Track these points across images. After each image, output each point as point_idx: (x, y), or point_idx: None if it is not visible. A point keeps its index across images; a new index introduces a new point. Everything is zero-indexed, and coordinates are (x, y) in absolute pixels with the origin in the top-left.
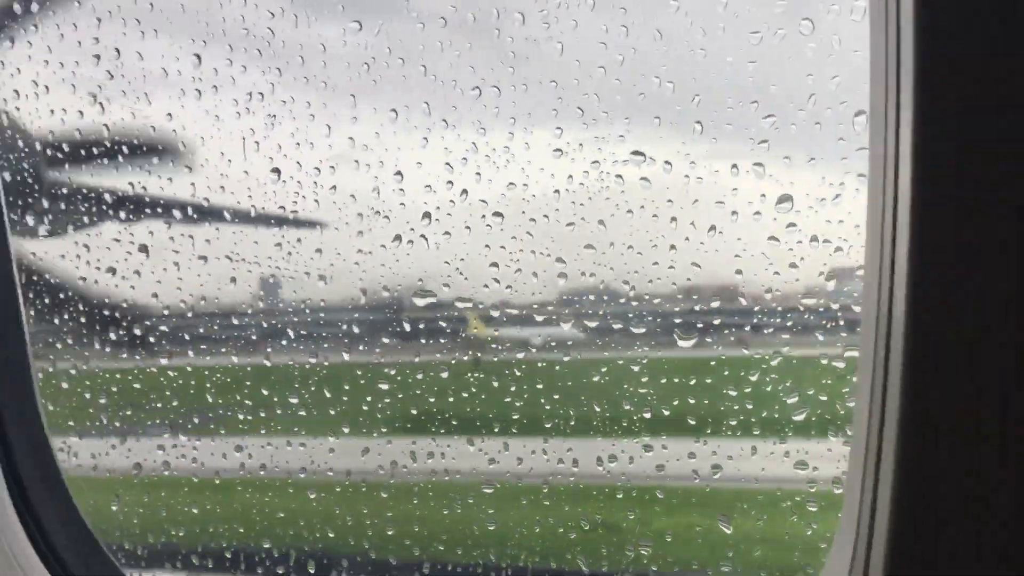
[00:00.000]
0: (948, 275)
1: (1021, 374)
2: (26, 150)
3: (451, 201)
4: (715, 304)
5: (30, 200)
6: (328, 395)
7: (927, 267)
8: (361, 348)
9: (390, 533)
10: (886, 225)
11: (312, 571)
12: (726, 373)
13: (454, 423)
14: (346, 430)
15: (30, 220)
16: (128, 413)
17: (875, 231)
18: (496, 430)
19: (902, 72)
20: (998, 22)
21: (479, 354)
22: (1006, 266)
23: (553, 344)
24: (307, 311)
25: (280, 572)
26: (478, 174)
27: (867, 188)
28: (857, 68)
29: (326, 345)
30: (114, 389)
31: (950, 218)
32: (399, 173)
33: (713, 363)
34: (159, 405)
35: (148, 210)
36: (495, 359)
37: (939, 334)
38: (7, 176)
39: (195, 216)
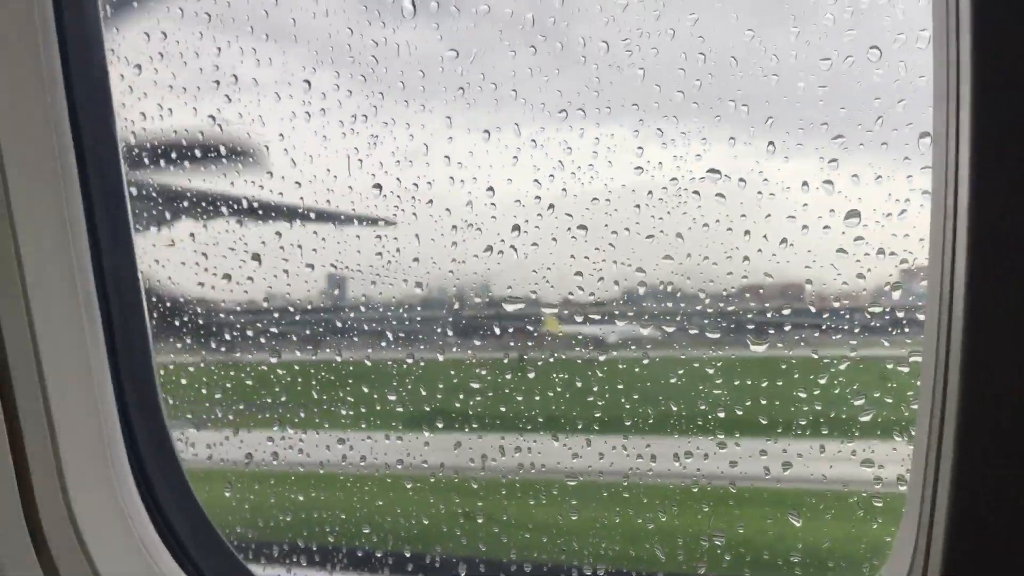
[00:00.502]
0: (1005, 285)
1: None
2: (150, 167)
3: (539, 215)
4: (786, 311)
5: (154, 212)
6: (423, 392)
7: (985, 278)
8: (454, 350)
9: (480, 522)
10: (947, 239)
11: (408, 556)
12: (796, 376)
13: (540, 420)
14: (440, 425)
15: (153, 229)
16: (240, 407)
17: (937, 243)
18: (579, 427)
19: (961, 97)
20: None
21: (559, 354)
22: None
23: (633, 346)
24: (404, 315)
25: (379, 557)
26: (564, 190)
27: (931, 204)
28: (922, 92)
29: (422, 347)
30: (228, 385)
31: (1007, 232)
32: (491, 189)
33: (784, 366)
34: (268, 400)
35: (260, 219)
36: (579, 360)
37: (996, 341)
38: (134, 191)
39: (303, 224)
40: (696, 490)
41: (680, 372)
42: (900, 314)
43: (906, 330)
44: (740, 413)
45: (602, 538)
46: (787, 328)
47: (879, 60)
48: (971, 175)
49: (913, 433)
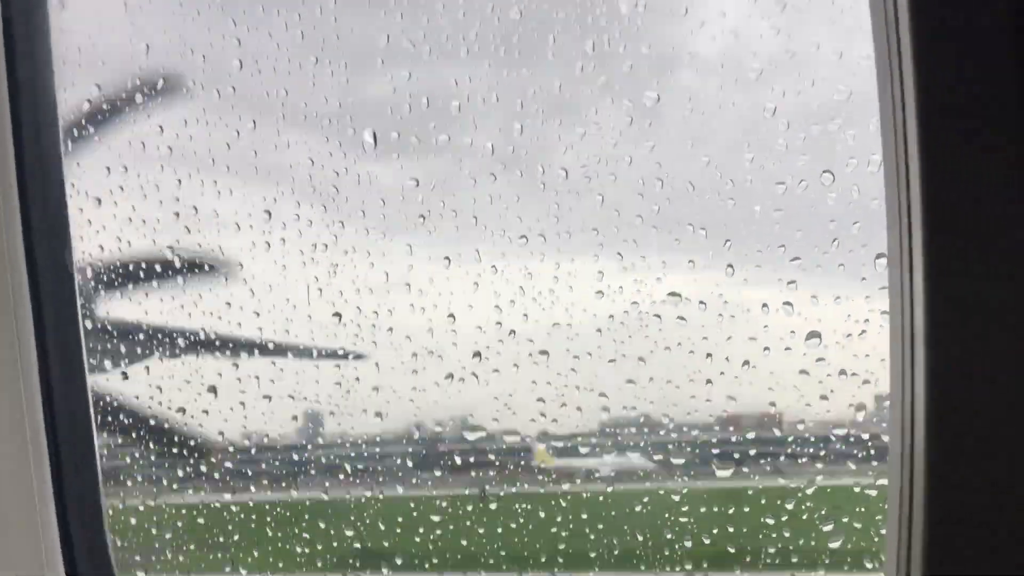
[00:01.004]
0: (963, 405)
1: None
2: (106, 300)
3: (500, 341)
4: (751, 435)
5: (108, 345)
6: (382, 528)
7: (943, 397)
8: (414, 481)
9: None
10: (905, 358)
11: None
12: (763, 502)
13: (502, 555)
14: (399, 562)
15: (107, 363)
16: (191, 548)
17: (896, 364)
18: (543, 562)
19: (912, 220)
20: (1000, 174)
21: (522, 485)
22: (1018, 385)
23: (597, 475)
24: (363, 446)
25: None
26: (525, 315)
27: (889, 325)
28: (875, 215)
29: (381, 479)
30: (179, 524)
31: (961, 351)
32: (451, 315)
33: (751, 492)
34: (221, 540)
35: (217, 351)
36: (541, 490)
37: (957, 464)
38: (88, 324)
39: (260, 355)
40: None
41: (645, 500)
42: (865, 436)
43: (872, 452)
44: (707, 542)
45: None
46: (752, 453)
47: (832, 184)
48: (925, 297)
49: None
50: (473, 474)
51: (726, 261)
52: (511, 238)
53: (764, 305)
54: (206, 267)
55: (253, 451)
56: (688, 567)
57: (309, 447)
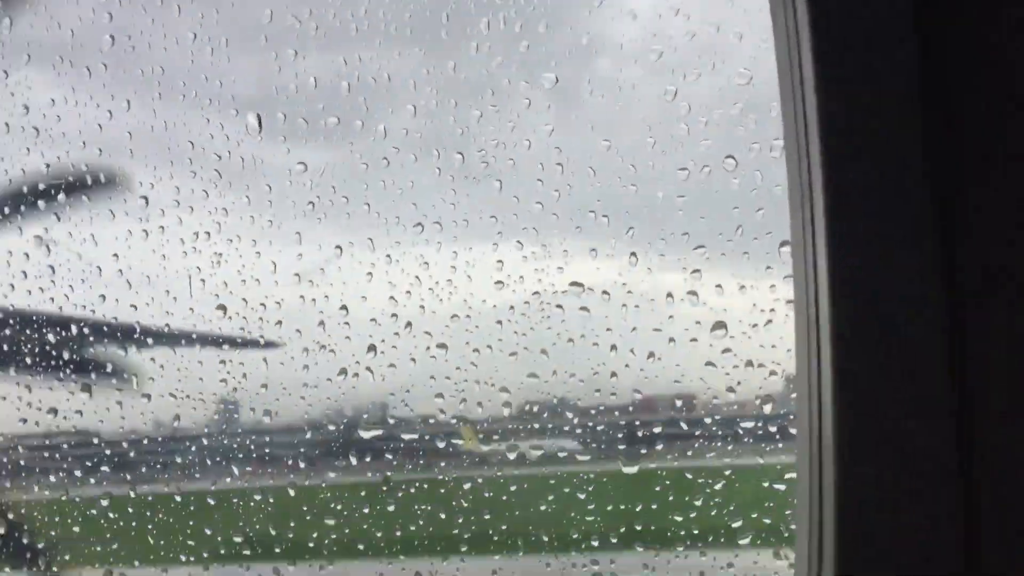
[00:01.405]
0: (871, 393)
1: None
2: None
3: (396, 333)
4: (656, 429)
5: None
6: (273, 531)
7: (851, 385)
8: (306, 480)
9: None
10: (811, 347)
11: None
12: (671, 498)
13: (397, 548)
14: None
15: None
16: (65, 550)
17: (803, 354)
18: (445, 555)
19: (815, 204)
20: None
21: (420, 481)
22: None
23: (498, 470)
24: (251, 444)
25: None
26: (422, 306)
27: (794, 314)
28: (779, 201)
29: (271, 481)
30: (53, 525)
31: (866, 339)
32: (344, 307)
33: (658, 487)
34: (97, 543)
35: (94, 345)
36: (442, 490)
37: (867, 451)
38: None
39: (140, 350)
40: None
41: (550, 498)
42: (772, 428)
43: (779, 444)
44: (614, 541)
45: None
46: (659, 447)
47: (735, 169)
48: (829, 283)
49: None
50: (368, 473)
51: (629, 249)
52: (406, 226)
53: (669, 295)
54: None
55: (132, 454)
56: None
57: (192, 448)
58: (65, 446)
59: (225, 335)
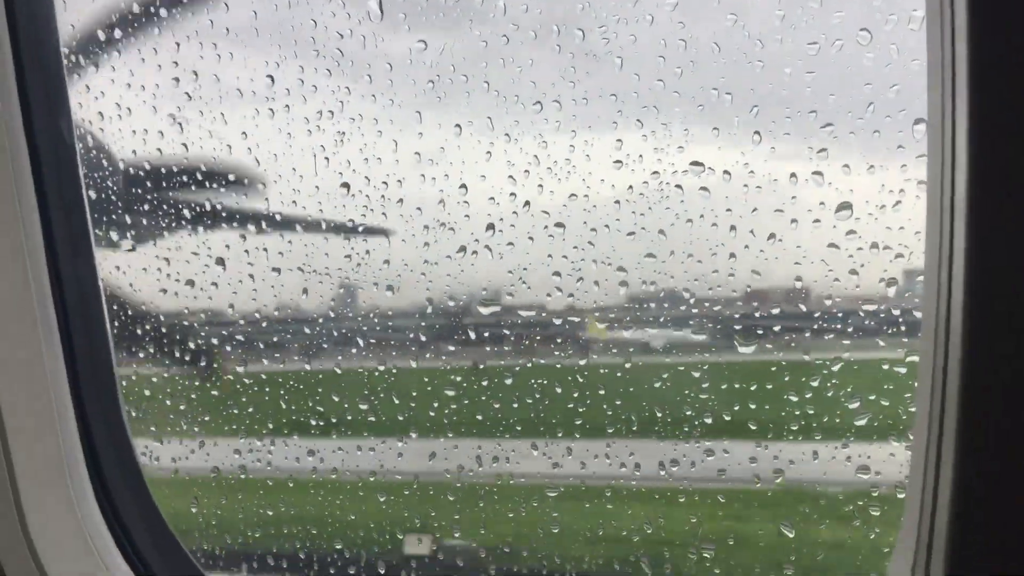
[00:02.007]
0: (1005, 279)
1: None
2: (110, 169)
3: (514, 212)
4: (775, 311)
5: (114, 216)
6: (396, 401)
7: (984, 271)
8: (428, 355)
9: (457, 535)
10: (944, 230)
11: (382, 571)
12: (787, 379)
13: (518, 428)
14: (414, 434)
15: (114, 235)
16: (206, 419)
17: (934, 237)
18: (559, 435)
19: (957, 79)
20: None
21: (538, 359)
22: None
23: (615, 350)
24: (375, 319)
25: (351, 573)
26: (540, 186)
27: (926, 195)
28: (916, 76)
29: (394, 352)
30: (192, 396)
31: (1005, 222)
32: (463, 186)
33: (774, 369)
34: (235, 411)
35: (224, 223)
36: (558, 366)
37: (995, 338)
38: (92, 194)
39: (268, 228)
40: (683, 500)
41: (665, 376)
42: (896, 311)
43: (903, 329)
44: (728, 419)
45: (585, 551)
46: (777, 329)
47: (869, 43)
48: (968, 164)
49: (911, 436)
50: (487, 349)
51: (753, 128)
52: (524, 104)
53: (792, 175)
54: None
55: (264, 324)
56: (708, 443)
57: (320, 320)
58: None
59: (347, 224)
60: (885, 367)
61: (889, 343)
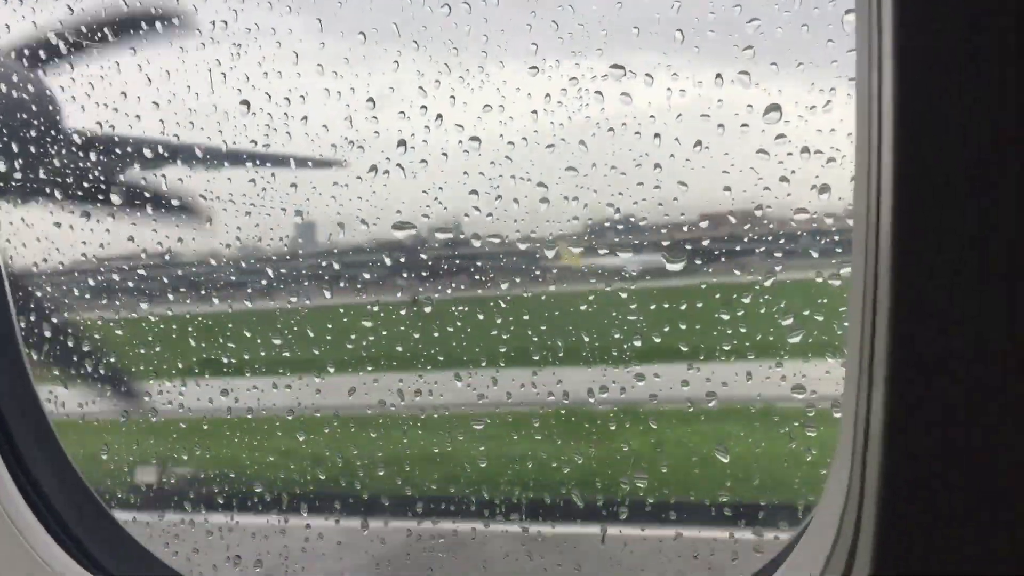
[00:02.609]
0: (934, 179)
1: (1010, 282)
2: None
3: (426, 127)
4: (703, 224)
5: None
6: (311, 335)
7: (912, 175)
8: (342, 286)
9: (380, 473)
10: (872, 129)
11: (304, 513)
12: (717, 296)
13: (440, 360)
14: (331, 369)
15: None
16: (112, 361)
17: (863, 136)
18: (483, 365)
19: None
20: None
21: (454, 286)
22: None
23: (536, 272)
24: (285, 249)
25: (273, 514)
26: (452, 97)
27: (855, 91)
28: None
29: (306, 283)
30: (96, 337)
31: (935, 108)
32: (371, 100)
33: (704, 287)
34: (143, 352)
35: (119, 151)
36: (478, 292)
37: (927, 246)
38: None
39: (165, 156)
40: (613, 428)
41: (591, 298)
42: (829, 221)
43: (836, 239)
44: (658, 341)
45: (513, 484)
46: (705, 243)
47: None
48: (894, 54)
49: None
50: (403, 276)
51: (675, 26)
52: (432, 8)
53: (718, 76)
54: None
55: (167, 257)
56: (637, 367)
57: (226, 251)
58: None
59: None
60: (819, 280)
61: (822, 256)
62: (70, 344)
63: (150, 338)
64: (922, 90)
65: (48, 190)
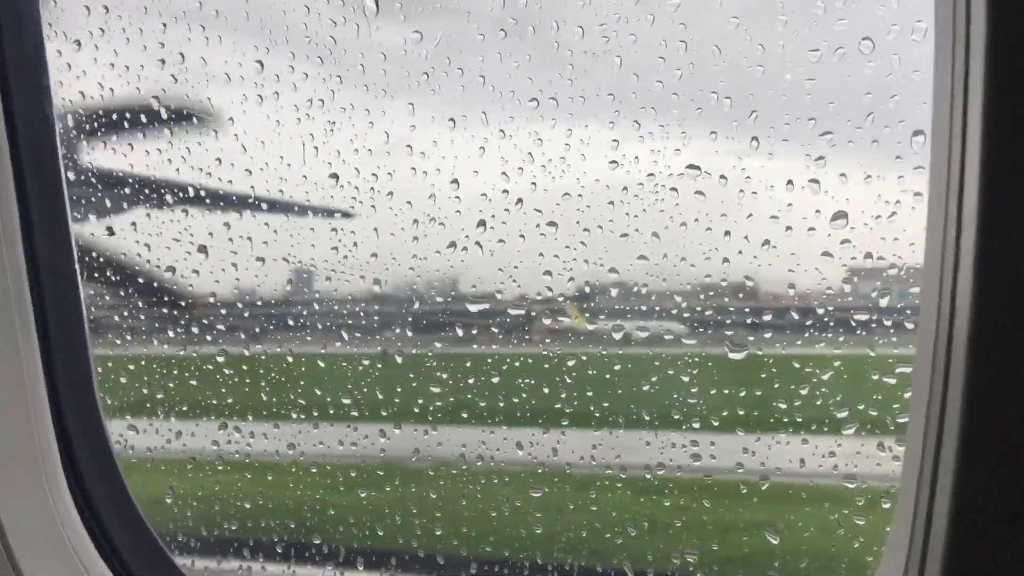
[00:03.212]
0: (1012, 293)
1: None
2: (91, 150)
3: (506, 210)
4: (767, 317)
5: (93, 199)
6: (379, 396)
7: (991, 285)
8: (414, 351)
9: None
10: (948, 243)
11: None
12: (776, 386)
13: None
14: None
15: (92, 216)
16: (184, 407)
17: (935, 249)
18: (546, 433)
19: (970, 94)
20: None
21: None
22: None
23: (603, 351)
24: (361, 313)
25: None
26: (533, 183)
27: (927, 207)
28: (916, 88)
29: (378, 347)
30: (170, 384)
31: (1014, 234)
32: (455, 181)
33: (764, 376)
34: (214, 401)
35: (208, 209)
36: (547, 365)
37: (1001, 351)
38: (71, 175)
39: (253, 214)
40: (668, 504)
41: (653, 379)
42: (888, 322)
43: (894, 339)
44: (716, 424)
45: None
46: (768, 336)
47: (871, 52)
48: (981, 177)
49: (901, 446)
50: (475, 345)
51: (751, 133)
52: (520, 100)
53: (789, 182)
54: (193, 119)
55: (247, 314)
56: (695, 448)
57: (304, 312)
58: (183, 304)
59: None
60: (875, 376)
61: (880, 352)
62: (144, 390)
63: (223, 388)
64: (1003, 208)
65: None
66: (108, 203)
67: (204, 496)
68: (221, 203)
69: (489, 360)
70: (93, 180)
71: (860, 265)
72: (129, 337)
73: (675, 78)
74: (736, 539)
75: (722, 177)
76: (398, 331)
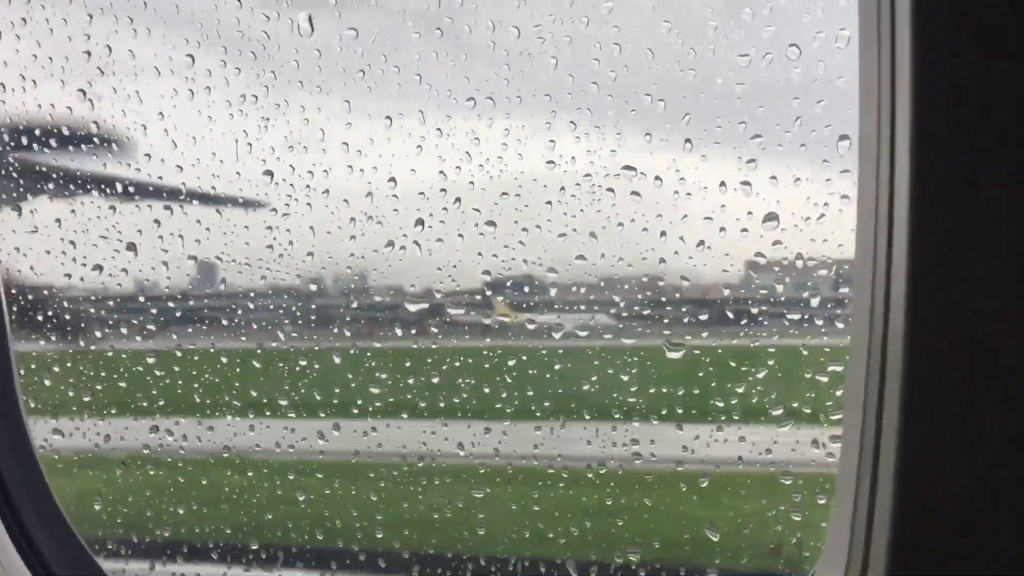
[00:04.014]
0: (944, 295)
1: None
2: (10, 144)
3: (444, 209)
4: (703, 316)
5: (14, 194)
6: (317, 396)
7: (924, 287)
8: (352, 350)
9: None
10: (879, 245)
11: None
12: (713, 384)
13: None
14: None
15: (12, 213)
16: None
17: (867, 250)
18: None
19: (897, 96)
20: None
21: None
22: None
23: (543, 352)
24: (296, 311)
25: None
26: (471, 183)
27: (856, 208)
28: (841, 93)
29: (315, 347)
30: (97, 386)
31: (946, 239)
32: (392, 179)
33: (700, 373)
34: (144, 402)
35: (136, 204)
36: (486, 365)
37: (936, 350)
38: None
39: (184, 210)
40: (610, 503)
41: (593, 378)
42: (819, 321)
43: (825, 337)
44: (655, 422)
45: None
46: (704, 335)
47: (798, 59)
48: (911, 181)
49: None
50: (413, 346)
51: (684, 135)
52: (458, 99)
53: (722, 183)
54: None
55: (178, 314)
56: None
57: (239, 312)
58: (111, 303)
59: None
60: (808, 375)
61: (812, 350)
62: (68, 390)
63: (153, 390)
64: (934, 210)
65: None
66: (31, 199)
67: (135, 501)
68: (150, 199)
69: (429, 360)
70: (14, 174)
71: (792, 265)
72: (54, 338)
73: (610, 80)
74: (677, 535)
75: (657, 178)
76: (336, 330)
